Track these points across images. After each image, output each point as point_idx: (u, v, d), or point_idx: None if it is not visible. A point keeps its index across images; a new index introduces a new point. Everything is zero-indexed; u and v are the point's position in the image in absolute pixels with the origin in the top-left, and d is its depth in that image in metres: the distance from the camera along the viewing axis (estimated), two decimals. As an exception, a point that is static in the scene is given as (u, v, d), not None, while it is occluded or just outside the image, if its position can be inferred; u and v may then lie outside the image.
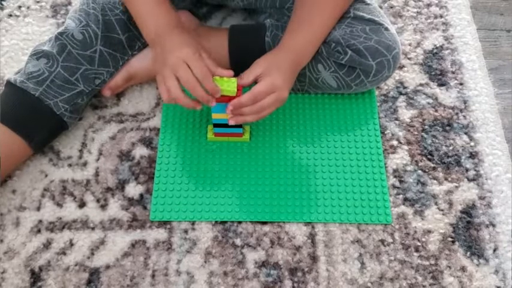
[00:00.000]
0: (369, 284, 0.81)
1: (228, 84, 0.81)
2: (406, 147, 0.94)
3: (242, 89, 0.83)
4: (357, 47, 0.87)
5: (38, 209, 0.87)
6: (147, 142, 0.94)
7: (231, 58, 0.95)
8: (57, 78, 0.87)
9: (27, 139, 0.87)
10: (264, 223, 0.86)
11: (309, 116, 0.97)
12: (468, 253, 0.84)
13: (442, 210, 0.87)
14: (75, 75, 0.88)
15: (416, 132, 0.95)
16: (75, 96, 0.89)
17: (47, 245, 0.84)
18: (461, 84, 1.01)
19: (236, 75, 0.84)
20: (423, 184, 0.90)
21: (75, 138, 0.95)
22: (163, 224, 0.86)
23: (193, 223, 0.86)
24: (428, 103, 0.99)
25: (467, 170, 0.91)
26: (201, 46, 0.83)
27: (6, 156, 0.85)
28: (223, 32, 0.96)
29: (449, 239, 0.85)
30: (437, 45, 1.07)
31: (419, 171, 0.91)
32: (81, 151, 0.93)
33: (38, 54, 0.89)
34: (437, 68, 1.03)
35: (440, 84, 1.01)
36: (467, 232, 0.86)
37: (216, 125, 0.90)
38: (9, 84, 0.88)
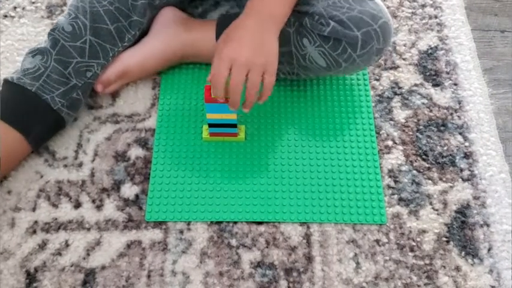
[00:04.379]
0: (364, 284, 0.81)
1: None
2: (401, 147, 0.94)
3: None
4: (339, 18, 0.85)
5: (34, 209, 0.87)
6: (143, 143, 0.94)
7: None
8: (52, 73, 0.88)
9: (24, 133, 0.87)
10: (260, 223, 0.86)
11: (304, 116, 0.97)
12: (463, 253, 0.84)
13: (436, 210, 0.88)
14: (68, 69, 0.89)
15: (411, 133, 0.96)
16: (70, 91, 0.90)
17: (43, 246, 0.84)
18: (455, 84, 1.02)
19: None
20: (418, 184, 0.90)
21: (70, 139, 0.95)
22: (158, 224, 0.86)
23: (188, 223, 0.86)
24: (423, 103, 0.99)
25: (461, 170, 0.92)
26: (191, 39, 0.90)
27: (5, 153, 0.85)
28: (212, 23, 0.97)
29: (444, 238, 0.85)
30: (432, 46, 1.07)
31: (414, 171, 0.92)
32: (76, 152, 0.93)
33: (33, 52, 0.90)
34: (432, 68, 1.04)
35: (435, 85, 1.02)
36: (462, 232, 0.86)
37: (211, 125, 0.91)
38: (6, 82, 0.89)
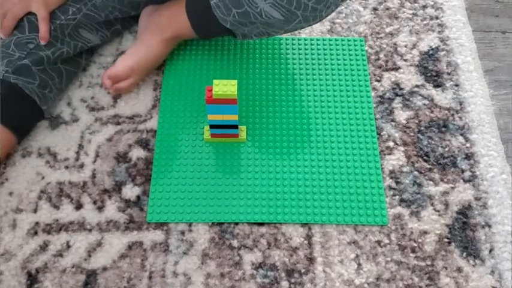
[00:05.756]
0: (366, 285, 0.81)
1: (229, 87, 0.82)
2: (402, 148, 0.94)
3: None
4: None
5: (35, 211, 0.87)
6: (144, 144, 0.94)
7: (190, 21, 0.96)
8: None
9: None
10: (261, 224, 0.86)
11: (306, 116, 0.97)
12: (464, 254, 0.84)
13: (438, 211, 0.88)
14: (11, 47, 0.93)
15: (412, 134, 0.96)
16: (14, 61, 0.91)
17: (44, 247, 0.84)
18: (456, 85, 1.02)
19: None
20: (419, 185, 0.90)
21: (71, 140, 0.95)
22: (160, 225, 0.86)
23: (190, 224, 0.86)
24: (424, 104, 0.99)
25: (463, 171, 0.92)
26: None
27: None
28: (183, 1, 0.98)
29: (446, 239, 0.85)
30: (433, 47, 1.07)
31: (416, 172, 0.92)
32: (77, 153, 0.93)
33: None
34: (433, 69, 1.04)
35: (436, 86, 1.02)
36: (463, 233, 0.86)
37: (212, 126, 0.91)
38: None
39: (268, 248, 0.84)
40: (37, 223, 0.86)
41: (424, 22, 1.11)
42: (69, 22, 0.96)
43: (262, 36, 0.95)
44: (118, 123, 0.97)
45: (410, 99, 1.00)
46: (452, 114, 0.98)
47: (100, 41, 1.03)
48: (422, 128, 0.96)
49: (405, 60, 1.05)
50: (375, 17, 1.11)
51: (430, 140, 0.95)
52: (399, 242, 0.85)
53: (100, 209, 0.88)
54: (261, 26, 0.91)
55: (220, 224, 0.86)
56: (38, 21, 0.94)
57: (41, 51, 0.93)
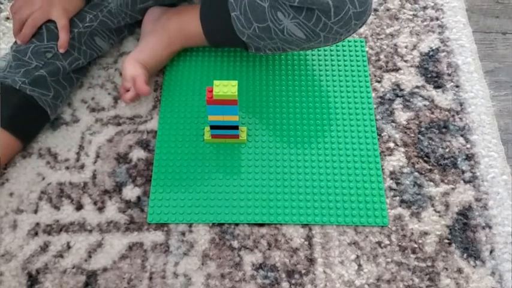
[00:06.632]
0: (366, 286, 0.81)
1: (229, 88, 0.82)
2: (402, 149, 0.94)
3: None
4: None
5: (35, 211, 0.87)
6: (144, 145, 0.94)
7: (204, 29, 0.96)
8: (14, 60, 0.92)
9: None
10: (261, 225, 0.86)
11: (306, 117, 0.97)
12: (465, 255, 0.84)
13: (438, 212, 0.88)
14: (27, 55, 0.92)
15: (412, 135, 0.96)
16: (32, 71, 0.91)
17: (44, 248, 0.84)
18: (457, 86, 1.02)
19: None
20: (420, 186, 0.90)
21: (72, 141, 0.95)
22: (160, 226, 0.86)
23: (190, 225, 0.86)
24: (425, 105, 0.99)
25: (463, 171, 0.92)
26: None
27: None
28: (196, 6, 0.97)
29: (446, 240, 0.85)
30: (434, 48, 1.07)
31: (416, 173, 0.92)
32: (78, 154, 0.94)
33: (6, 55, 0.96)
34: (434, 70, 1.04)
35: (437, 87, 1.02)
36: (464, 234, 0.86)
37: (212, 127, 0.91)
38: None
39: (269, 249, 0.84)
40: (37, 224, 0.86)
41: (425, 23, 1.11)
42: (86, 30, 0.97)
43: (276, 51, 0.95)
44: (118, 124, 0.97)
45: (411, 100, 1.00)
46: (453, 115, 0.98)
47: (109, 48, 1.04)
48: (422, 129, 0.96)
49: (405, 61, 1.05)
50: (375, 18, 1.11)
51: (430, 141, 0.95)
52: (399, 243, 0.85)
53: (100, 209, 0.88)
54: (278, 42, 0.91)
55: (220, 224, 0.86)
56: (57, 29, 0.93)
57: (58, 61, 0.93)
